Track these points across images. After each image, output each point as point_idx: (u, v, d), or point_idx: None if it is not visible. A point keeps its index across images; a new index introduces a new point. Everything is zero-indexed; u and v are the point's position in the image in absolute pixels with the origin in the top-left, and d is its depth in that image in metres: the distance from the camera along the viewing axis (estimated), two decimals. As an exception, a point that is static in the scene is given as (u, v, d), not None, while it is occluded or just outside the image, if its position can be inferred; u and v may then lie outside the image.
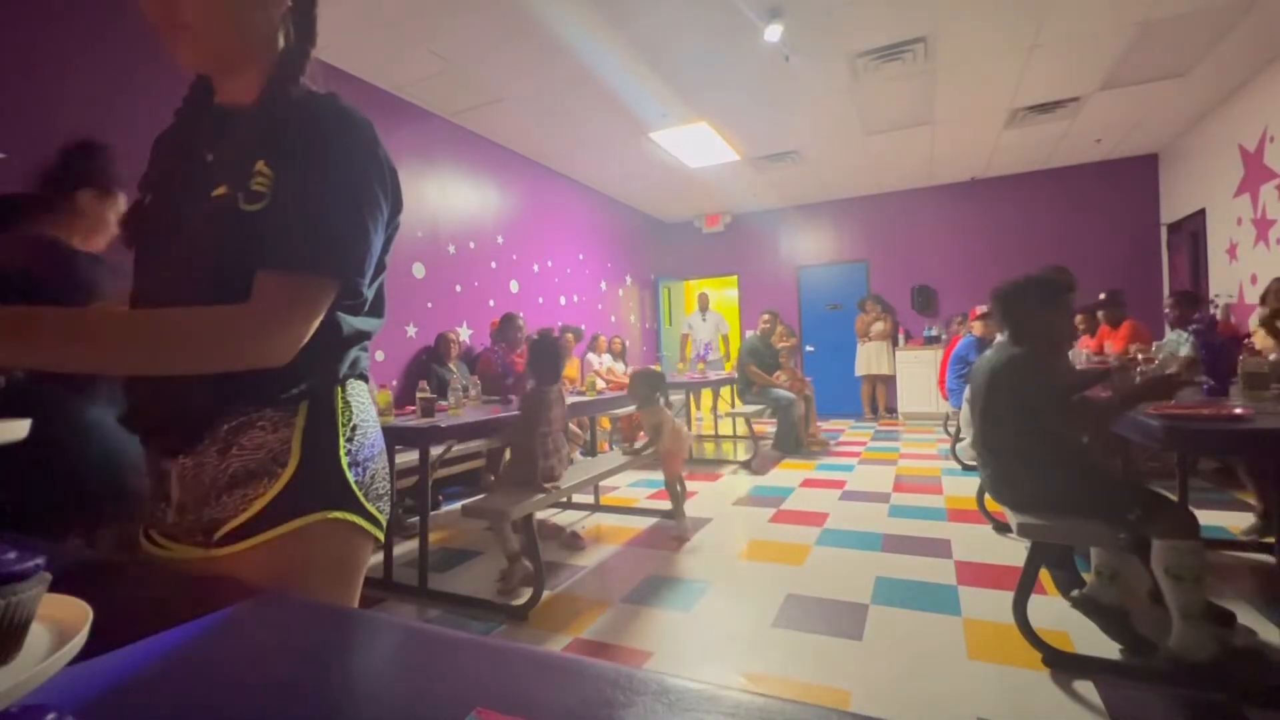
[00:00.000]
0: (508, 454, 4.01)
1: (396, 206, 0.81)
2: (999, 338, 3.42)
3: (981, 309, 4.68)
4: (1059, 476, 1.87)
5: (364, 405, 0.86)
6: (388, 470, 0.89)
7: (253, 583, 0.67)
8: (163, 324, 0.67)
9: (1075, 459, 1.90)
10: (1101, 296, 4.74)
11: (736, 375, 5.61)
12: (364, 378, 0.88)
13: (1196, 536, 1.65)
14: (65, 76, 2.63)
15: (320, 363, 0.78)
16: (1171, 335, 3.83)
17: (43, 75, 2.56)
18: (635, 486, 4.33)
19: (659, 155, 5.89)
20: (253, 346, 0.67)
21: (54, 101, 2.58)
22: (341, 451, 0.80)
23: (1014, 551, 2.68)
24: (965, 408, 3.87)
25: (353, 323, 0.80)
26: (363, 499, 0.80)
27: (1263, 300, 3.67)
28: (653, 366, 6.23)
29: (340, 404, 0.81)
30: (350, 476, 0.79)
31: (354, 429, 0.82)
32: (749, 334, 6.23)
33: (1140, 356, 2.74)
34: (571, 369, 5.20)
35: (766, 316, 5.87)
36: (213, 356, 0.67)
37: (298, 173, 0.72)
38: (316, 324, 0.72)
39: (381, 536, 0.85)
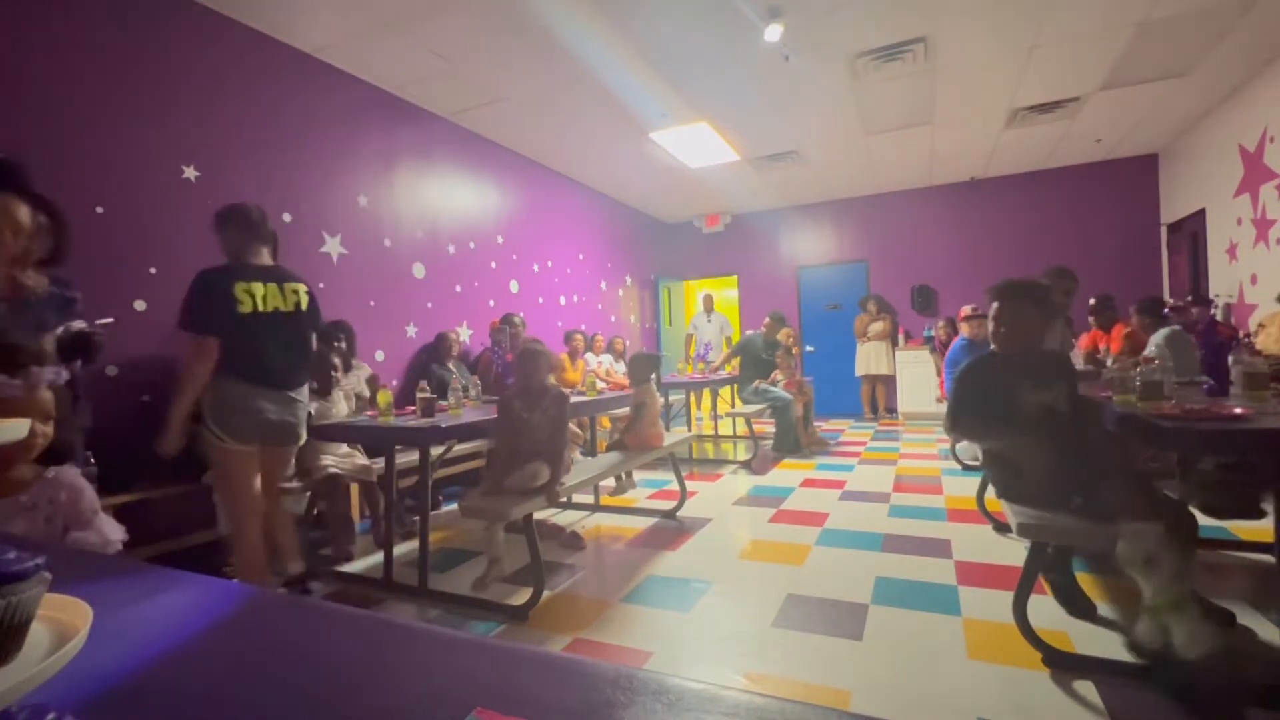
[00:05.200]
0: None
1: None
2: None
3: (968, 310, 4.64)
4: (1061, 469, 1.87)
5: None
6: None
7: None
8: None
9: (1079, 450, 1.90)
10: (1091, 302, 4.74)
11: (739, 373, 5.65)
12: None
13: (1177, 530, 1.65)
14: (63, 77, 2.63)
15: None
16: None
17: (41, 75, 2.56)
18: (636, 486, 4.32)
19: (659, 155, 5.88)
20: None
21: (51, 102, 2.58)
22: None
23: (1014, 551, 2.68)
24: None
25: None
26: None
27: None
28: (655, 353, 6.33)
29: None
30: None
31: None
32: (749, 332, 6.27)
33: (1140, 357, 2.73)
34: (573, 372, 5.19)
35: (768, 320, 5.96)
36: None
37: None
38: None
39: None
